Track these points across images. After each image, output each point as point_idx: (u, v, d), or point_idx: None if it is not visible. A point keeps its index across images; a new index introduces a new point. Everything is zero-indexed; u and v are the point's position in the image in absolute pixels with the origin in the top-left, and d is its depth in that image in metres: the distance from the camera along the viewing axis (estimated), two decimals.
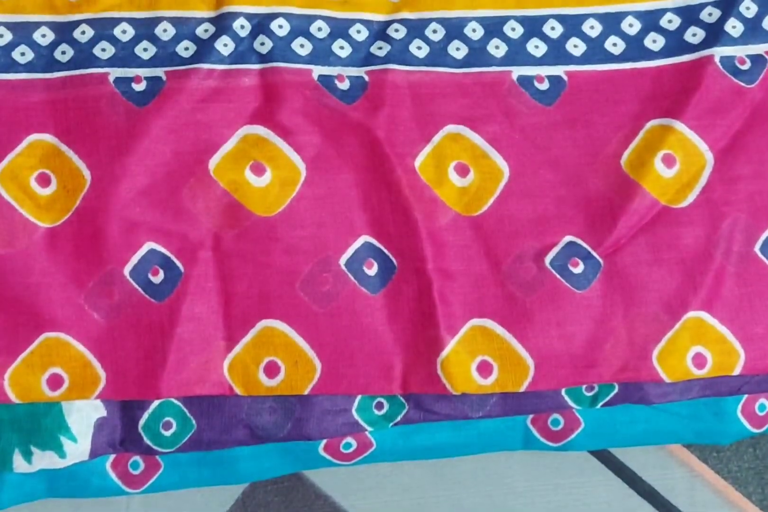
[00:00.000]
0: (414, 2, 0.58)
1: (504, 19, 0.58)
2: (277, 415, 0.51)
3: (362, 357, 0.51)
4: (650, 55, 0.57)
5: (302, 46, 0.56)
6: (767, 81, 0.55)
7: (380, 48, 0.56)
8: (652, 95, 0.55)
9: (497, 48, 0.57)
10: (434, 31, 0.57)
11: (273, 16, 0.56)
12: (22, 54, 0.55)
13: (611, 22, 0.58)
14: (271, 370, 0.50)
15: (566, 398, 0.52)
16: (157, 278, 0.51)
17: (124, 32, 0.55)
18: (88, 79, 0.54)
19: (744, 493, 0.57)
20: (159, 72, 0.54)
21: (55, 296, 0.50)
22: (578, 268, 0.52)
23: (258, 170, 0.53)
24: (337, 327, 0.51)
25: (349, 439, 0.53)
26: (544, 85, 0.56)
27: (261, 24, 0.56)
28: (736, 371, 0.51)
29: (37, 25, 0.56)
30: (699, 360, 0.51)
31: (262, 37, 0.56)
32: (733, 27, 0.56)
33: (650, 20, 0.58)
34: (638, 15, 0.58)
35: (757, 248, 0.53)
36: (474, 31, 0.57)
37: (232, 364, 0.50)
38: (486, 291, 0.52)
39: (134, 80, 0.54)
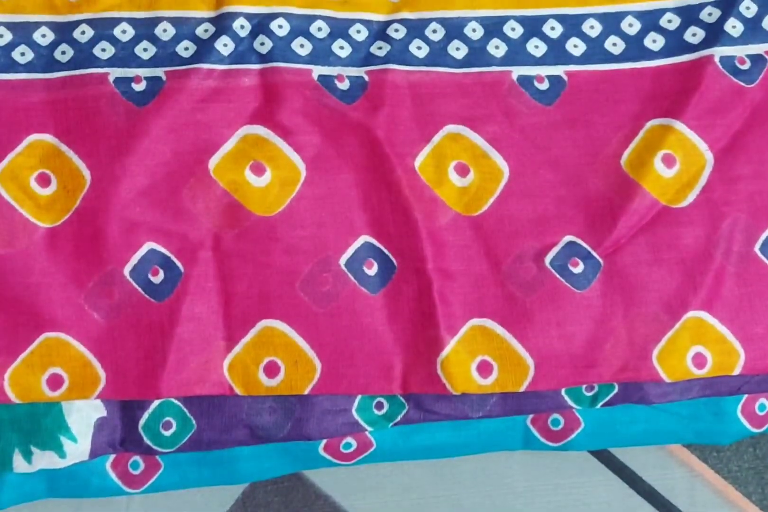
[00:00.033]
0: (414, 2, 0.58)
1: (504, 19, 0.58)
2: (277, 415, 0.51)
3: (362, 357, 0.51)
4: (650, 55, 0.57)
5: (302, 46, 0.56)
6: (767, 81, 0.56)
7: (380, 48, 0.56)
8: (652, 95, 0.55)
9: (497, 48, 0.57)
10: (434, 31, 0.57)
11: (273, 16, 0.56)
12: (22, 54, 0.55)
13: (611, 22, 0.58)
14: (271, 370, 0.50)
15: (566, 398, 0.52)
16: (157, 278, 0.51)
17: (124, 32, 0.55)
18: (88, 79, 0.54)
19: (744, 493, 0.57)
20: (159, 72, 0.54)
21: (55, 296, 0.50)
22: (578, 268, 0.52)
23: (258, 170, 0.53)
24: (337, 327, 0.51)
25: (349, 439, 0.53)
26: (544, 85, 0.56)
27: (261, 24, 0.56)
28: (736, 371, 0.51)
29: (37, 25, 0.56)
30: (699, 360, 0.51)
31: (262, 37, 0.56)
32: (733, 27, 0.56)
33: (650, 20, 0.58)
34: (638, 15, 0.58)
35: (757, 248, 0.53)
36: (474, 31, 0.57)
37: (232, 364, 0.50)
38: (486, 291, 0.52)
39: (134, 80, 0.54)
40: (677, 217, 0.53)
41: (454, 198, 0.53)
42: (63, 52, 0.55)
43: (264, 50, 0.55)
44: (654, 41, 0.57)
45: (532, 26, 0.57)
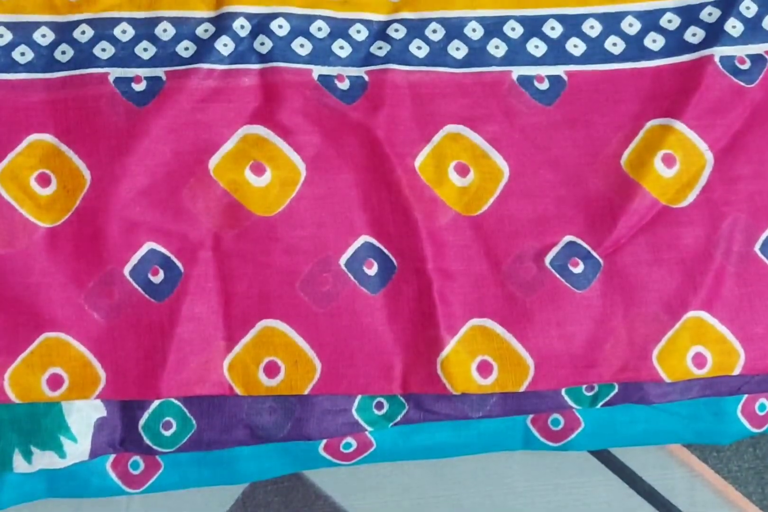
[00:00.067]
0: (414, 2, 0.58)
1: (504, 19, 0.58)
2: (277, 415, 0.51)
3: (362, 357, 0.51)
4: (650, 54, 0.57)
5: (302, 46, 0.56)
6: (767, 81, 0.56)
7: (380, 48, 0.56)
8: (652, 95, 0.55)
9: (497, 48, 0.57)
10: (434, 31, 0.57)
11: (273, 16, 0.56)
12: (22, 54, 0.55)
13: (611, 22, 0.58)
14: (271, 370, 0.50)
15: (566, 398, 0.52)
16: (157, 278, 0.51)
17: (124, 32, 0.55)
18: (88, 79, 0.54)
19: (744, 493, 0.57)
20: (159, 72, 0.54)
21: (55, 296, 0.50)
22: (578, 268, 0.52)
23: (258, 170, 0.53)
24: (337, 327, 0.51)
25: (349, 439, 0.53)
26: (544, 85, 0.56)
27: (261, 24, 0.56)
28: (736, 371, 0.51)
29: (37, 25, 0.56)
30: (699, 360, 0.51)
31: (262, 37, 0.56)
32: (733, 27, 0.56)
33: (650, 20, 0.58)
34: (638, 15, 0.58)
35: (757, 248, 0.53)
36: (474, 30, 0.57)
37: (232, 364, 0.50)
38: (486, 291, 0.52)
39: (134, 80, 0.54)
40: (677, 217, 0.53)
41: (454, 198, 0.53)
42: (63, 52, 0.55)
43: (264, 50, 0.55)
44: (654, 41, 0.57)
45: (532, 26, 0.57)
